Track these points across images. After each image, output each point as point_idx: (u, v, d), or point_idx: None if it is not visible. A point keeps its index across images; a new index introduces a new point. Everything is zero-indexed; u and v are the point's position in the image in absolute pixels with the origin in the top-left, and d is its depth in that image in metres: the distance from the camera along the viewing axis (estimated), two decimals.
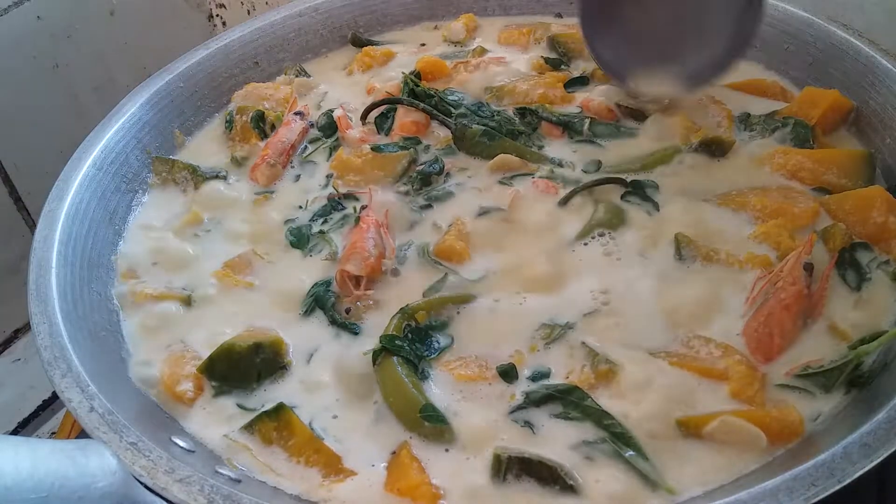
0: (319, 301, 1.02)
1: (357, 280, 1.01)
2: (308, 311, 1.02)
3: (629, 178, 1.12)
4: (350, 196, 1.16)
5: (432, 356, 0.94)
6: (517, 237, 1.07)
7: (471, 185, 1.16)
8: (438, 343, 0.95)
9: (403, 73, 1.33)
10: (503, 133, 1.21)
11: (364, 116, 1.29)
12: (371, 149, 1.21)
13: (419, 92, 1.29)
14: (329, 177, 1.20)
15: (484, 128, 1.20)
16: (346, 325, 0.99)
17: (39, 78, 1.48)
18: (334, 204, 1.15)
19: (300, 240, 1.11)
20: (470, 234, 1.07)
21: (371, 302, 1.00)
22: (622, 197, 1.11)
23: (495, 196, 1.12)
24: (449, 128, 1.23)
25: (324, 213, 1.15)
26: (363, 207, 1.12)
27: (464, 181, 1.17)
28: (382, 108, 1.29)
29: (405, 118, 1.26)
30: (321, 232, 1.12)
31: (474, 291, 1.00)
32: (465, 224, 1.09)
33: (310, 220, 1.14)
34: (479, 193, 1.14)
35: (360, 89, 1.38)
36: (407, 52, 1.44)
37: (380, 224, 1.08)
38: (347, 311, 1.00)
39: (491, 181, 1.15)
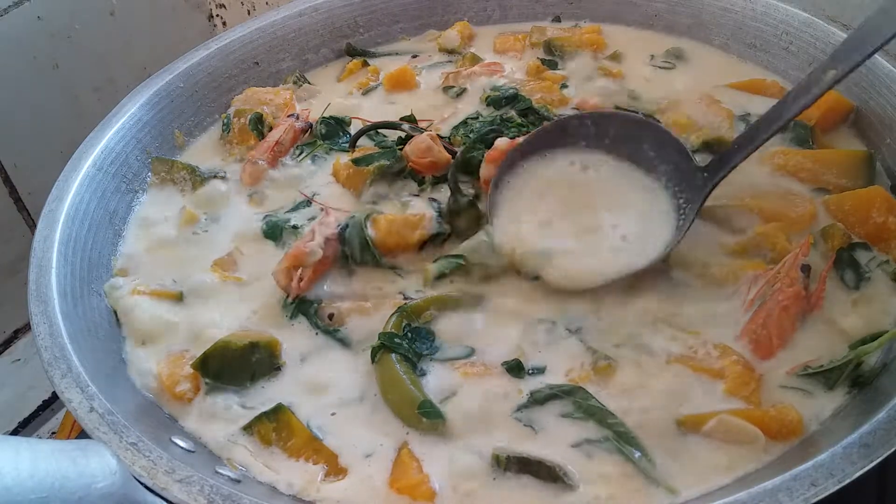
0: (301, 307, 1.01)
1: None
2: (293, 317, 1.01)
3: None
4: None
5: (434, 355, 0.94)
6: None
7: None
8: (442, 344, 0.95)
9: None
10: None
11: (353, 144, 1.25)
12: (352, 161, 1.17)
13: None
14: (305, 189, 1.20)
15: None
16: (330, 332, 0.98)
17: (39, 78, 1.48)
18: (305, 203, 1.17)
19: (273, 230, 1.12)
20: None
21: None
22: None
23: None
24: (452, 155, 1.15)
25: (296, 208, 1.16)
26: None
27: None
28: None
29: (421, 158, 1.14)
30: (294, 227, 1.12)
31: (476, 291, 1.00)
32: None
33: (285, 213, 1.15)
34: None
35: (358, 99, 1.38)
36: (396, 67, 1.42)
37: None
38: (330, 316, 0.99)
39: None
